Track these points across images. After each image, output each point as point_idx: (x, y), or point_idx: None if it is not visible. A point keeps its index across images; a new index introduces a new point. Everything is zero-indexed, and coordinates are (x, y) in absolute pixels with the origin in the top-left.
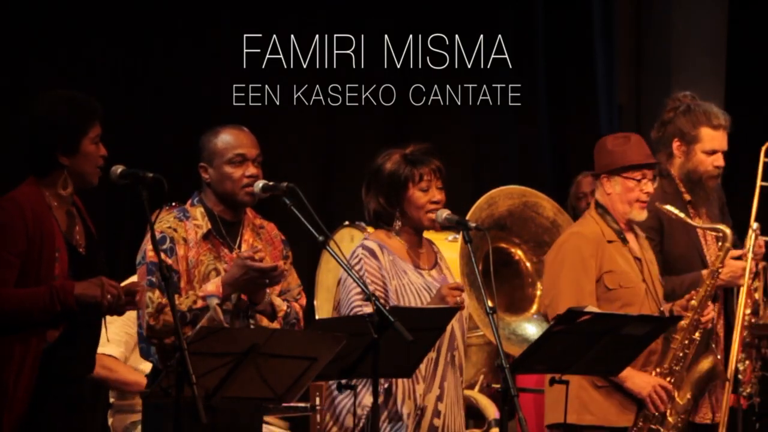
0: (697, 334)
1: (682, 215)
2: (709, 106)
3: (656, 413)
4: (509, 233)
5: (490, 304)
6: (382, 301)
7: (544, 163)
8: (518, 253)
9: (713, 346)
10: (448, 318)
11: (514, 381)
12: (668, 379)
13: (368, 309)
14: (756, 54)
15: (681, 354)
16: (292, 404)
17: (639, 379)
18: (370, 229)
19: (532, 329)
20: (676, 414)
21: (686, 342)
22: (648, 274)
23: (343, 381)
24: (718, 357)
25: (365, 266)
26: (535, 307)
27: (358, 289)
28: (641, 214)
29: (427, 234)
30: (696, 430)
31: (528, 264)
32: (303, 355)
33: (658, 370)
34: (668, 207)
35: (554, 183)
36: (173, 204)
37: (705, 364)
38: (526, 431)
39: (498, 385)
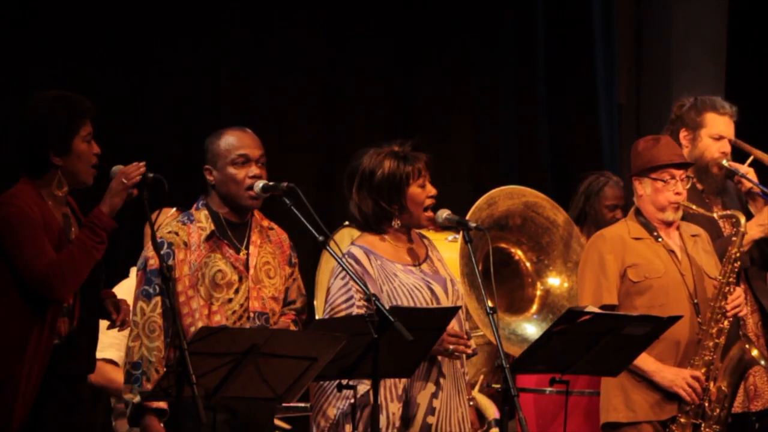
0: (726, 322)
1: (701, 210)
2: (715, 97)
3: (693, 405)
4: (509, 233)
5: (490, 304)
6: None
7: (544, 163)
8: (518, 253)
9: (742, 333)
10: (448, 318)
11: (514, 381)
12: (703, 370)
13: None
14: (756, 54)
15: (711, 344)
16: (292, 404)
17: (667, 373)
18: None
19: (532, 329)
20: (714, 405)
21: (713, 331)
22: (688, 267)
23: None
24: (747, 346)
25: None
26: (535, 307)
27: (345, 296)
28: (673, 215)
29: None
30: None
31: (528, 264)
32: (303, 355)
33: (692, 362)
34: (686, 202)
35: (554, 183)
36: (175, 209)
37: (734, 351)
38: (526, 431)
39: (498, 385)
